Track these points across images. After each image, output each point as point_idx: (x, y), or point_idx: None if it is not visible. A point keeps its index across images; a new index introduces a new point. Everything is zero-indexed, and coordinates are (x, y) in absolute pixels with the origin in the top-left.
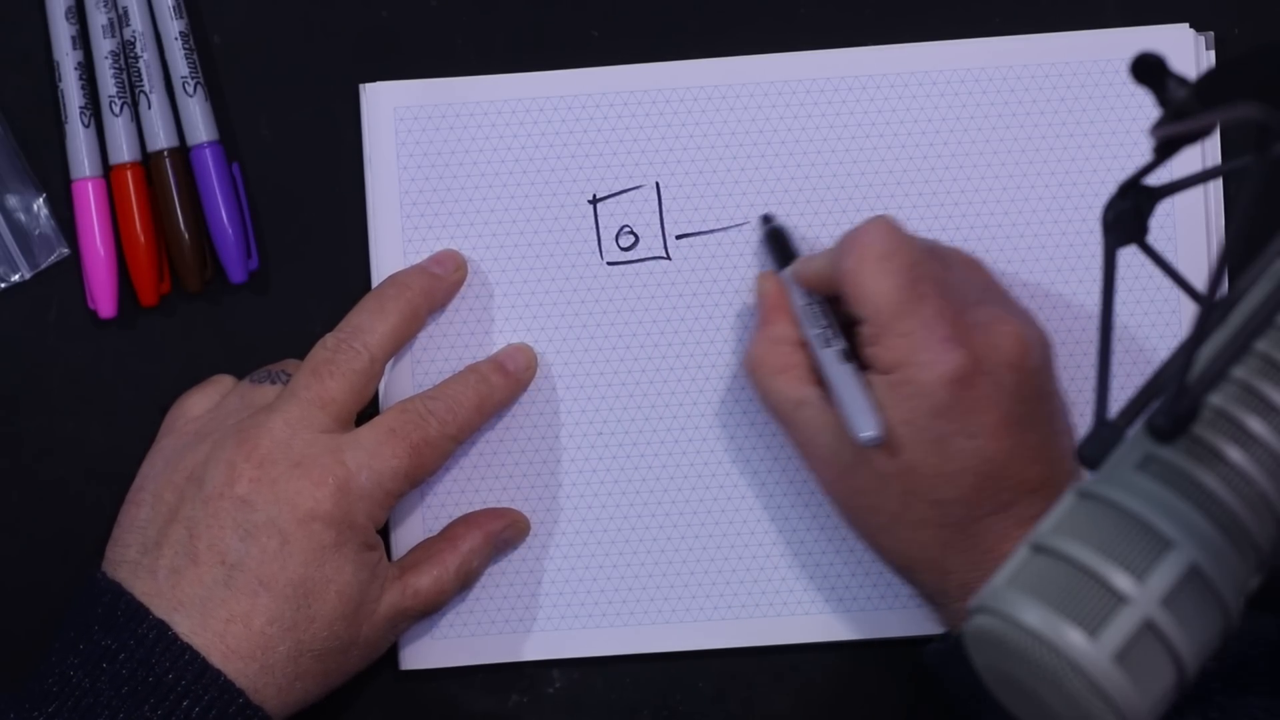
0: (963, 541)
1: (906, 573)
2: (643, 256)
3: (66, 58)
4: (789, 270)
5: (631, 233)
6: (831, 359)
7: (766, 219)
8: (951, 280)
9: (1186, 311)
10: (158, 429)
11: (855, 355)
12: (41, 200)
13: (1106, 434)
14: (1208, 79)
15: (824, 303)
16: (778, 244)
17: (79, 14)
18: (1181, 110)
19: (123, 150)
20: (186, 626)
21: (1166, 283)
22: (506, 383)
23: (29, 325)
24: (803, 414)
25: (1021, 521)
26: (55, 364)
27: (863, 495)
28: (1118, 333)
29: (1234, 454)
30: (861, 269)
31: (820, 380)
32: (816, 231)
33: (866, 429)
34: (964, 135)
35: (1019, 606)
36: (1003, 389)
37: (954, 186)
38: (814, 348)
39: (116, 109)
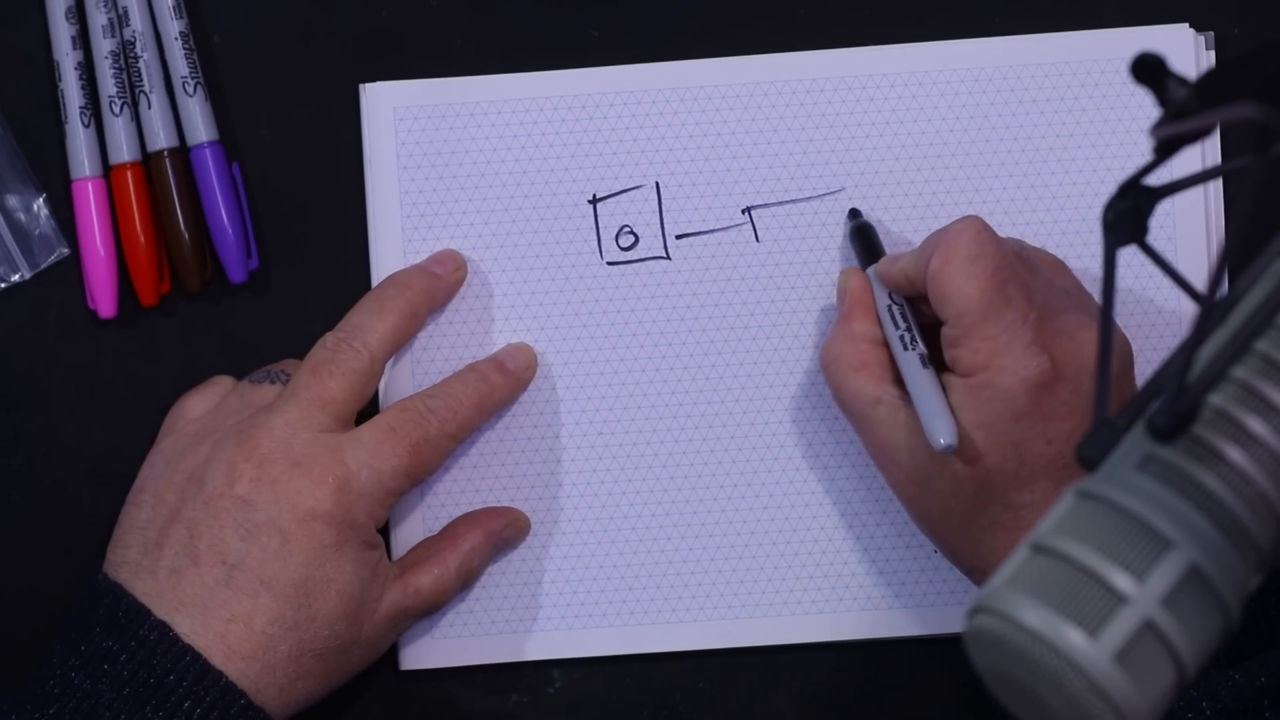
0: None
1: (976, 575)
2: (643, 256)
3: (66, 58)
4: (874, 269)
5: (631, 233)
6: (912, 363)
7: (854, 213)
8: (1037, 285)
9: (1186, 311)
10: (158, 429)
11: (935, 358)
12: (41, 200)
13: (1106, 434)
14: (1208, 79)
15: (906, 304)
16: (864, 240)
17: (79, 14)
18: (1181, 110)
19: (123, 150)
20: (188, 627)
21: (1166, 283)
22: (506, 382)
23: (29, 325)
24: (879, 412)
25: None
26: (55, 364)
27: (936, 497)
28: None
29: (1234, 454)
30: (948, 270)
31: (897, 380)
32: (816, 231)
33: (944, 436)
34: (964, 135)
35: (1019, 606)
36: (1083, 396)
37: (954, 186)
38: (894, 350)
39: (116, 109)
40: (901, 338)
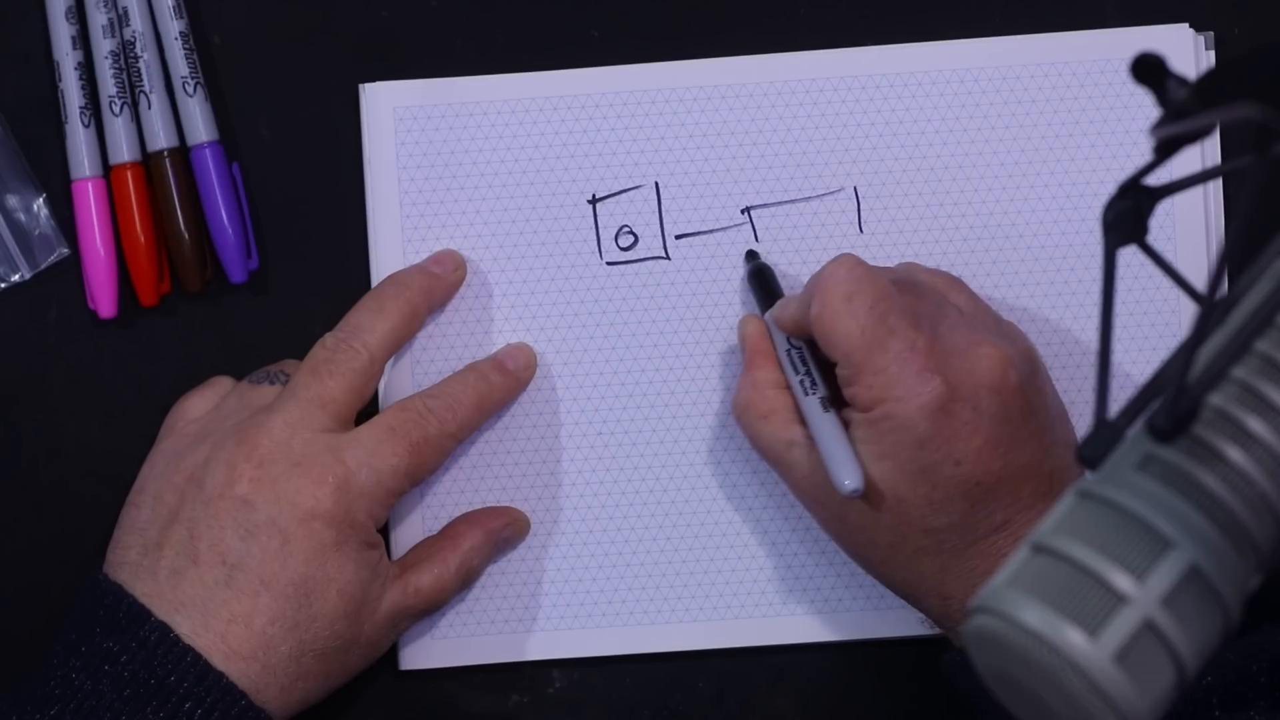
0: (960, 566)
1: (912, 600)
2: (642, 256)
3: (66, 58)
4: (769, 314)
5: (631, 233)
6: (813, 408)
7: (751, 255)
8: (925, 309)
9: (1186, 311)
10: (158, 429)
11: (837, 397)
12: (41, 200)
13: (1106, 434)
14: (1208, 79)
15: (804, 347)
16: (761, 283)
17: (79, 14)
18: (1181, 110)
19: (123, 150)
20: (188, 627)
21: (1166, 283)
22: (506, 381)
23: (29, 325)
24: (792, 455)
25: (1018, 540)
26: (55, 364)
27: (859, 531)
28: (1118, 333)
29: (1234, 454)
30: (827, 313)
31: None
32: (816, 231)
33: (847, 479)
34: (964, 135)
35: (1019, 606)
36: (983, 413)
37: (954, 186)
38: (796, 395)
39: (116, 109)
40: (801, 383)
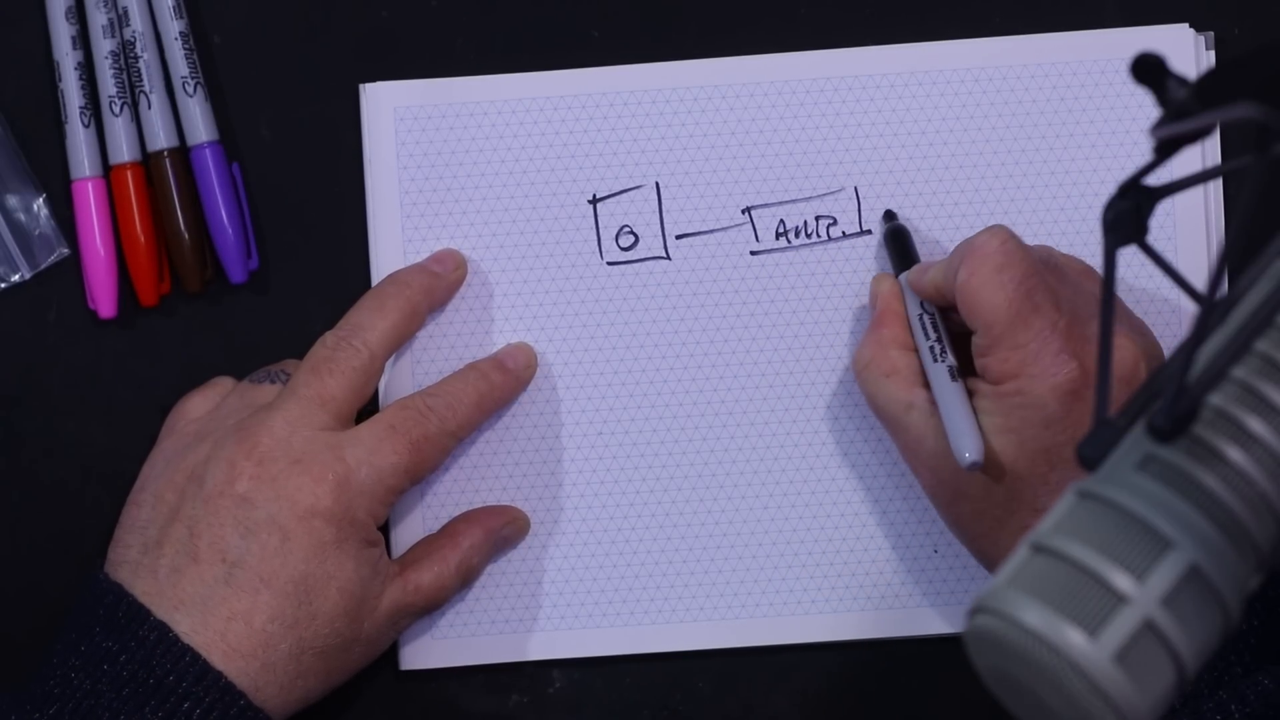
0: None
1: None
2: (643, 256)
3: (66, 58)
4: (905, 276)
5: (631, 233)
6: (941, 375)
7: (889, 215)
8: (1065, 292)
9: (1186, 311)
10: (158, 429)
11: (964, 366)
12: (41, 200)
13: (1106, 434)
14: (1208, 79)
15: (937, 314)
16: (898, 245)
17: (79, 14)
18: (1181, 110)
19: (123, 150)
20: (187, 625)
21: (1166, 283)
22: (506, 380)
23: (29, 325)
24: (911, 417)
25: None
26: (55, 364)
27: (967, 500)
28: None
29: (1234, 454)
30: (975, 282)
31: (929, 384)
32: (816, 230)
33: (968, 452)
34: (964, 135)
35: (1019, 606)
36: (1114, 401)
37: (954, 186)
38: (924, 360)
39: (116, 109)
40: (932, 349)
